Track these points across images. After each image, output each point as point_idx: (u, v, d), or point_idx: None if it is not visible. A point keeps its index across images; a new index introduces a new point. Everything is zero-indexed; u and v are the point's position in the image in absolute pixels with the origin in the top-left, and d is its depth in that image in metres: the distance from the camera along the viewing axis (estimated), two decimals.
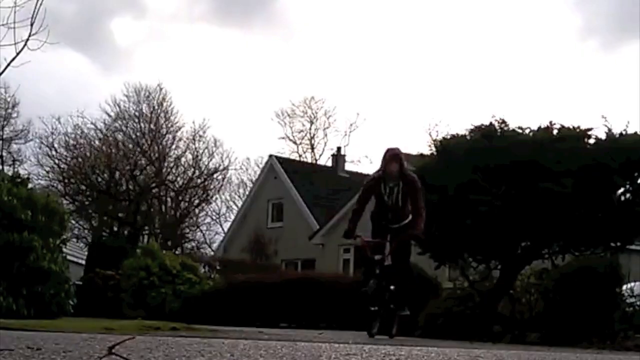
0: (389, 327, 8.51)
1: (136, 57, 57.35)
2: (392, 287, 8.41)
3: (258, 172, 38.51)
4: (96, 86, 56.95)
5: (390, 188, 8.45)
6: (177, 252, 33.55)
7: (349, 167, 40.03)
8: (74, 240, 31.62)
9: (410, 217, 8.54)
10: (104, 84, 59.15)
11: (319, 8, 61.25)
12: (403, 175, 8.46)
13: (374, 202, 8.78)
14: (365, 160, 49.65)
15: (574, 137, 10.69)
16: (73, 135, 37.15)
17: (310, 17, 61.60)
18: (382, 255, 8.28)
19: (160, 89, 38.98)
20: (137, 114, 38.16)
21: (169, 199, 39.49)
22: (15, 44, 9.11)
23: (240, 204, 39.17)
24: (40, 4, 9.33)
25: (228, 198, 42.95)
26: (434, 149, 11.56)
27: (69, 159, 37.21)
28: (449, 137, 11.74)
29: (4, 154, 37.20)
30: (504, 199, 10.35)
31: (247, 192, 39.22)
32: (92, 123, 37.52)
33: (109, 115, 37.82)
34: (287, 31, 60.67)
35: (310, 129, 46.16)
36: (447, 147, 11.39)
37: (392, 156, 8.47)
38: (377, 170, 8.76)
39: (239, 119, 62.08)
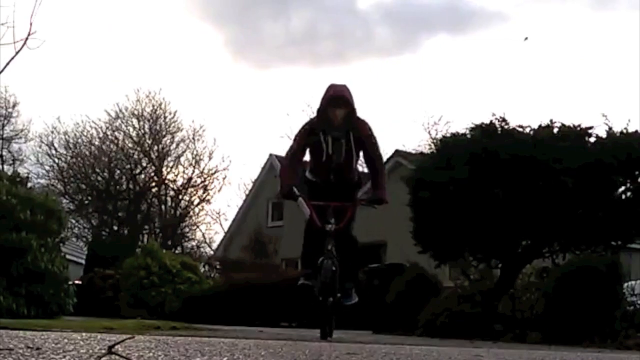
0: (324, 325, 6.26)
1: (134, 56, 57.31)
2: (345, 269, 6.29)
3: (258, 171, 38.42)
4: (95, 85, 56.95)
5: (333, 140, 6.37)
6: (177, 252, 33.53)
7: None
8: (74, 239, 31.61)
9: (356, 179, 6.68)
10: (103, 84, 59.09)
11: (320, 6, 61.22)
12: (352, 123, 6.40)
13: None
14: None
15: (575, 135, 10.70)
16: (73, 134, 37.17)
17: (311, 14, 61.55)
18: (333, 225, 6.28)
19: (160, 89, 38.98)
20: (137, 113, 38.12)
21: (168, 199, 39.45)
22: (14, 42, 9.09)
23: (240, 203, 39.13)
24: (40, 3, 9.31)
25: (228, 197, 42.92)
26: (434, 147, 11.56)
27: (68, 157, 37.21)
28: (449, 135, 11.75)
29: (4, 153, 37.21)
30: (504, 198, 10.35)
31: (247, 191, 39.16)
32: (91, 122, 37.54)
33: (109, 114, 37.79)
34: (287, 29, 60.61)
35: None
36: (448, 145, 11.40)
37: (337, 98, 6.38)
38: (316, 118, 6.61)
39: (239, 118, 62.04)
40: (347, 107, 6.34)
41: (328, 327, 6.16)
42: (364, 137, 6.41)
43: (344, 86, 6.50)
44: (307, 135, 6.47)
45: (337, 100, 6.34)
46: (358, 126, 6.41)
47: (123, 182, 38.05)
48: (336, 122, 6.31)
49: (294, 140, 6.65)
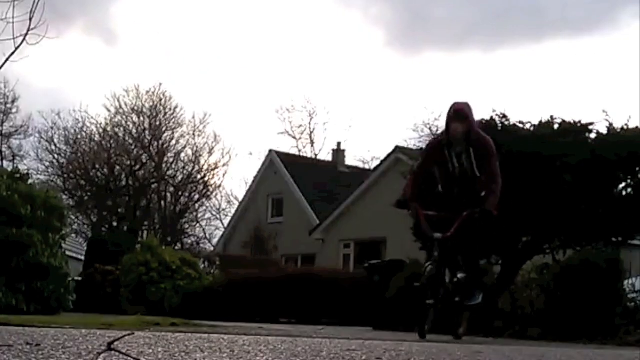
0: (454, 326, 7.22)
1: (135, 51, 57.26)
2: (458, 276, 6.80)
3: (258, 167, 38.43)
4: (95, 80, 56.90)
5: (457, 155, 6.83)
6: (176, 248, 33.53)
7: (349, 162, 40.07)
8: (74, 235, 31.61)
9: (480, 192, 6.97)
10: (103, 79, 59.07)
11: (321, 4, 61.21)
12: (471, 137, 6.81)
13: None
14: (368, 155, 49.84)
15: (575, 131, 10.67)
16: (73, 130, 37.13)
17: (310, 12, 61.54)
18: (443, 234, 6.66)
19: (161, 84, 38.97)
20: (137, 109, 38.07)
21: (168, 195, 39.41)
22: (14, 38, 9.09)
23: (240, 199, 39.11)
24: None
25: (228, 193, 42.88)
26: None
27: (68, 154, 37.19)
28: None
29: (4, 149, 37.19)
30: (504, 194, 10.32)
31: (247, 187, 39.15)
32: (91, 118, 37.50)
33: (109, 110, 37.75)
34: (288, 27, 60.60)
35: (309, 123, 46.11)
36: None
37: (456, 113, 6.78)
38: (441, 133, 7.26)
39: (239, 114, 62.09)
40: (465, 122, 6.72)
41: (427, 326, 6.50)
42: (483, 154, 6.84)
43: (465, 103, 6.92)
44: (434, 151, 7.01)
45: (457, 115, 6.75)
46: (479, 142, 6.85)
47: (123, 178, 38.03)
48: (457, 137, 6.72)
49: (423, 154, 7.37)
